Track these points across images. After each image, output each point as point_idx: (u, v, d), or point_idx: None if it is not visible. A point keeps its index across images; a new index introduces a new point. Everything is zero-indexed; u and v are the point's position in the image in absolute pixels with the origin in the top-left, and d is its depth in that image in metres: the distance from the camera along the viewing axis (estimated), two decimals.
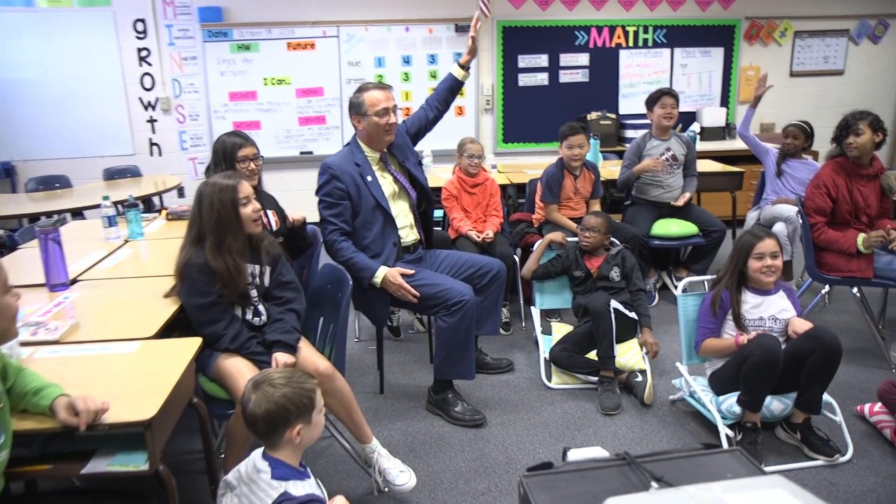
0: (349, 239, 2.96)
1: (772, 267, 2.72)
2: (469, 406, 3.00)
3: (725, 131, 6.52)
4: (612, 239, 3.60)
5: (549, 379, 3.33)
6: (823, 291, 3.99)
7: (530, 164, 6.13)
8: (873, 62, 6.97)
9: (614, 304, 3.21)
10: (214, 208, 2.19)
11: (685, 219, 4.28)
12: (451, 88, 3.29)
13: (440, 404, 3.03)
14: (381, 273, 2.89)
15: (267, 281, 2.39)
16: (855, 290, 3.48)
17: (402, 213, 3.11)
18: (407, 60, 6.20)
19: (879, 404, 2.88)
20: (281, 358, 2.22)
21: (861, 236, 3.37)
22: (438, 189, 4.21)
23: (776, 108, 6.78)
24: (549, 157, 6.54)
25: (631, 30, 6.43)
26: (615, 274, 3.49)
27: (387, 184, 3.07)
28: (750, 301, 2.75)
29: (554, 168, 4.17)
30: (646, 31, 6.47)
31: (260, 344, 2.28)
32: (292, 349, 2.28)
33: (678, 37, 6.53)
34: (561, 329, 3.58)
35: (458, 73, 3.26)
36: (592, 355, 3.24)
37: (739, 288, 2.78)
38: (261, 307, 2.36)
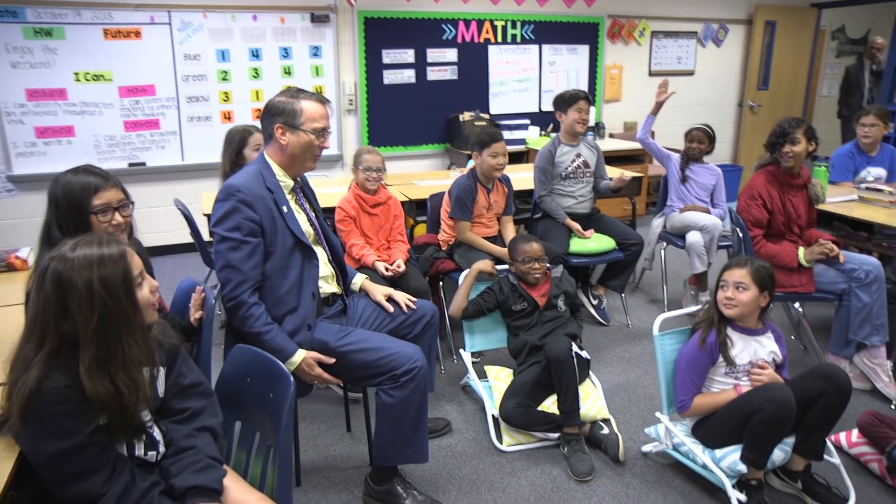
0: (258, 295, 2.20)
1: (733, 300, 2.38)
2: (423, 496, 2.37)
3: (595, 131, 6.38)
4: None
5: (500, 440, 2.78)
6: None
7: (414, 172, 5.59)
8: (718, 63, 7.24)
9: (574, 348, 2.74)
10: (95, 301, 1.35)
11: (599, 231, 3.95)
12: None
13: (384, 497, 2.37)
14: (298, 358, 2.18)
15: (161, 389, 1.58)
16: (797, 305, 3.33)
17: (322, 262, 2.41)
18: (256, 54, 5.31)
19: (856, 432, 2.69)
20: None
21: (802, 250, 3.22)
22: (330, 210, 3.50)
23: (637, 106, 6.81)
24: (422, 162, 6.08)
25: (499, 24, 6.05)
26: (562, 303, 3.04)
27: (302, 221, 2.35)
28: (738, 342, 2.41)
29: (466, 180, 3.61)
30: (514, 27, 6.12)
31: (165, 494, 1.49)
32: (216, 495, 1.52)
33: (546, 33, 6.26)
34: (499, 374, 3.05)
35: None
36: (547, 406, 2.76)
37: (724, 326, 2.43)
38: (156, 432, 1.55)
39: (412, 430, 2.27)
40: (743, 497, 2.27)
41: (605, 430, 2.75)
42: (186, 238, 4.18)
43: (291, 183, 2.33)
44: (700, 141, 4.15)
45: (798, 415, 2.26)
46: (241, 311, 2.14)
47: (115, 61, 4.93)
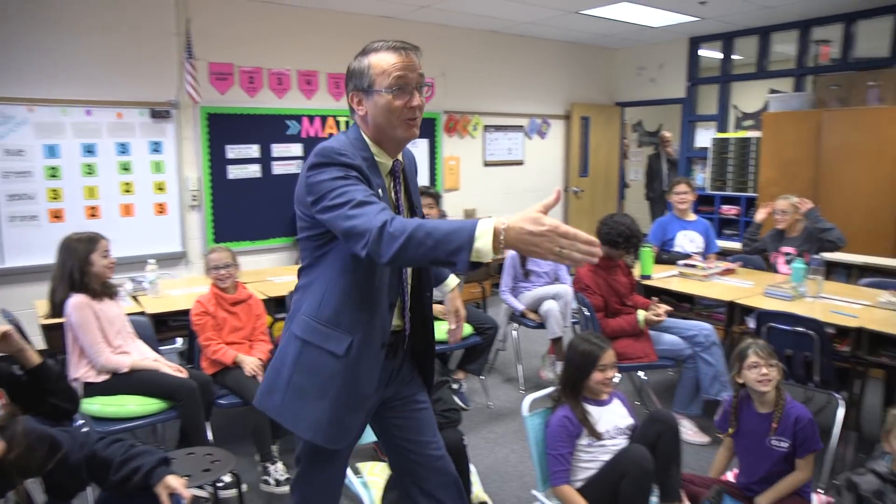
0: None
1: (612, 378, 2.64)
2: None
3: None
4: None
5: None
6: None
7: (264, 268, 5.53)
8: (544, 153, 7.96)
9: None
10: None
11: None
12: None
13: None
14: (489, 225, 1.41)
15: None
16: (642, 374, 3.67)
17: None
18: (90, 150, 5.04)
19: None
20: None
21: (640, 312, 3.60)
22: (185, 311, 3.37)
23: (475, 194, 7.25)
24: (270, 256, 5.99)
25: (342, 120, 6.26)
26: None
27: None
28: (593, 414, 2.63)
29: None
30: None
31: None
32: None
33: None
34: (374, 469, 3.03)
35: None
36: None
37: (578, 402, 2.64)
38: None
39: None
40: None
41: None
42: None
43: (389, 163, 1.83)
44: None
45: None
46: (390, 227, 1.48)
47: None
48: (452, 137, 7.08)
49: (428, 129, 6.84)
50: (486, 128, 7.32)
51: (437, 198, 4.44)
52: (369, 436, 3.11)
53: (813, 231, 4.31)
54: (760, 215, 4.68)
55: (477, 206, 7.17)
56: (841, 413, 3.24)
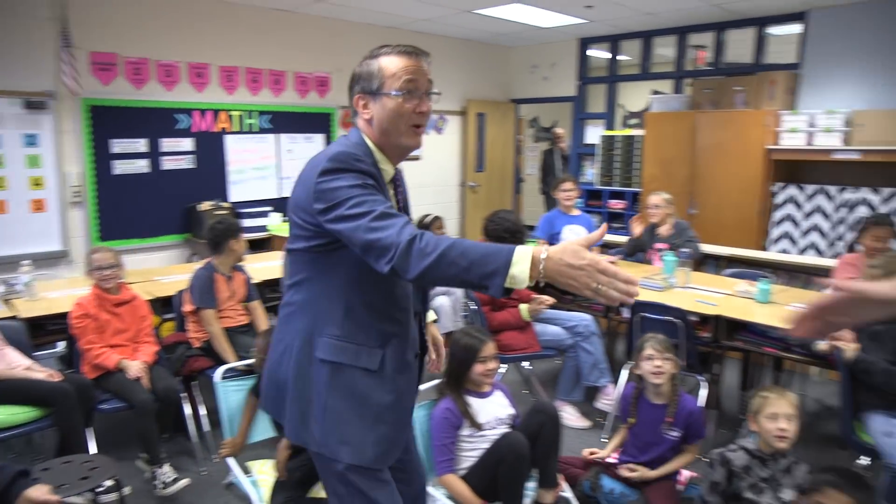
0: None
1: (494, 370, 2.78)
2: None
3: None
4: None
5: None
6: None
7: (154, 267, 5.36)
8: (441, 149, 8.09)
9: None
10: None
11: None
12: None
13: None
14: (527, 252, 1.40)
15: None
16: (528, 364, 3.85)
17: None
18: None
19: None
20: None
21: (522, 306, 3.78)
22: (65, 314, 3.26)
23: None
24: (161, 254, 5.81)
25: (235, 114, 6.14)
26: None
27: None
28: (474, 406, 2.76)
29: (204, 271, 3.64)
30: (250, 116, 6.25)
31: None
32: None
33: (282, 123, 6.49)
34: (263, 468, 3.04)
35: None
36: (318, 491, 2.83)
37: (460, 395, 2.76)
38: None
39: None
40: None
41: None
42: None
43: (392, 171, 1.79)
44: (439, 227, 4.64)
45: (531, 450, 2.66)
46: (417, 244, 1.44)
47: None
48: None
49: (323, 124, 6.82)
50: None
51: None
52: (263, 432, 3.15)
53: (681, 232, 4.64)
54: (637, 230, 5.01)
55: None
56: (704, 393, 3.54)
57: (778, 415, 2.48)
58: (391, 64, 1.68)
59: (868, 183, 5.67)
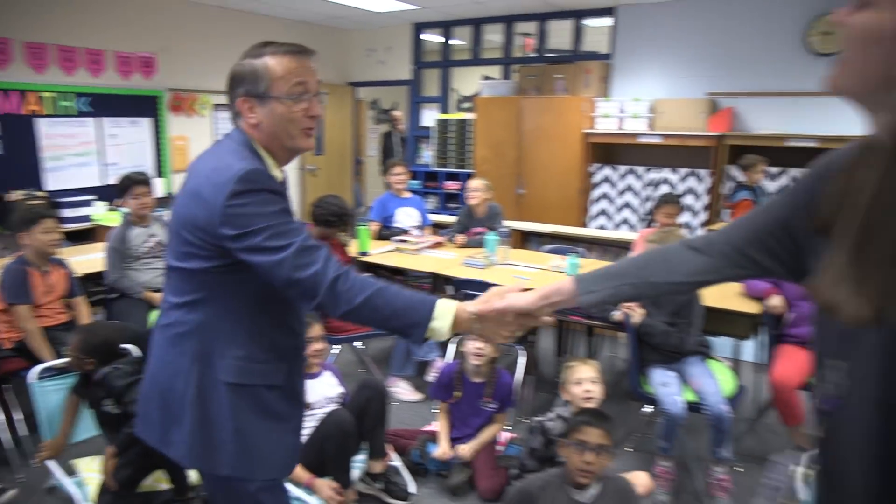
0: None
1: (320, 350, 2.92)
2: None
3: (168, 203, 6.45)
4: None
5: None
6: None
7: None
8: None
9: None
10: None
11: None
12: None
13: None
14: (450, 309, 1.50)
15: None
16: (359, 344, 4.00)
17: None
18: None
19: None
20: None
21: None
22: None
23: None
24: None
25: (47, 96, 5.71)
26: None
27: None
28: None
29: (16, 265, 3.43)
30: (66, 98, 5.84)
31: None
32: None
33: (104, 105, 6.11)
34: (91, 465, 2.96)
35: None
36: (150, 485, 2.82)
37: None
38: None
39: None
40: None
41: None
42: None
43: (281, 176, 1.68)
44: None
45: (359, 425, 2.83)
46: (344, 284, 1.45)
47: None
48: (179, 116, 6.82)
49: (150, 108, 6.52)
50: (216, 106, 7.15)
51: (148, 184, 4.24)
52: (87, 431, 3.06)
53: (494, 216, 4.97)
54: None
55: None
56: (522, 361, 3.88)
57: (583, 379, 2.82)
58: (279, 65, 1.57)
59: (669, 164, 6.38)
